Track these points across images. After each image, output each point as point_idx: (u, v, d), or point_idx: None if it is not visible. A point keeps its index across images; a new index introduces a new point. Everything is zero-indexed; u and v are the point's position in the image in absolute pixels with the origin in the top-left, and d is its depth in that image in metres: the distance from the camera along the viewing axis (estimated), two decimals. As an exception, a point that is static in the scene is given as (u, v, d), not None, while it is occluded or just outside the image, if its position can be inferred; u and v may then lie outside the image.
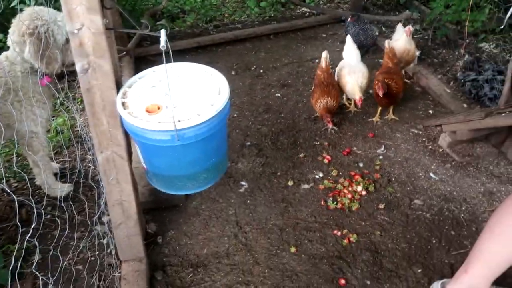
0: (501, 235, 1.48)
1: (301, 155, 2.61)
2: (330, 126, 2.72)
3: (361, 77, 2.75)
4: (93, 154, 1.86)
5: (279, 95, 3.21)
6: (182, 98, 1.59)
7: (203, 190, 2.27)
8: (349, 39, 2.97)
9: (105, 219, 2.10)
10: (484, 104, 2.82)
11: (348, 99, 2.91)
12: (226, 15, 4.51)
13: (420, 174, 2.44)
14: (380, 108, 2.84)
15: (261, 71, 3.53)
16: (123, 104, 1.57)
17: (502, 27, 3.42)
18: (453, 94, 2.99)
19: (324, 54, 2.82)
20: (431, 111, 2.91)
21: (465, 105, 2.87)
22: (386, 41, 2.88)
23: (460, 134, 2.49)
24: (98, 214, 1.98)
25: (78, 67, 1.48)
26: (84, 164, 2.56)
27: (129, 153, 1.74)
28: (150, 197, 2.28)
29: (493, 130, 2.44)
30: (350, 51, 2.92)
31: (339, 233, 2.12)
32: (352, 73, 2.76)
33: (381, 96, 2.60)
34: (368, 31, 3.35)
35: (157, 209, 2.31)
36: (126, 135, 1.66)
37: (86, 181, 2.25)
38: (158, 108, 1.54)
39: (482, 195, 2.27)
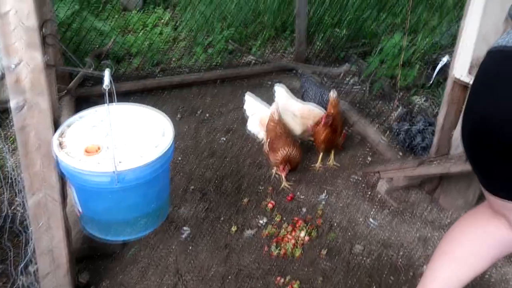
0: (452, 261, 1.56)
1: (245, 200, 2.60)
2: (283, 174, 2.63)
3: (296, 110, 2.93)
4: (23, 197, 1.74)
5: (224, 140, 3.23)
6: (124, 139, 1.55)
7: (142, 237, 2.18)
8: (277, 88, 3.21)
9: (31, 268, 1.93)
10: (417, 153, 3.00)
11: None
12: (173, 60, 4.55)
13: (360, 219, 2.51)
14: (321, 154, 2.93)
15: (207, 116, 3.55)
16: (60, 144, 1.51)
17: (431, 83, 3.74)
18: (389, 143, 3.16)
19: (274, 105, 2.82)
20: (369, 159, 3.05)
21: (400, 154, 3.04)
22: (332, 91, 3.03)
23: (396, 181, 2.62)
24: (24, 263, 1.82)
25: (12, 104, 1.41)
26: (12, 208, 2.38)
27: (63, 196, 1.65)
28: (84, 244, 2.15)
29: (426, 178, 2.59)
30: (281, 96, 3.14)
31: (282, 281, 2.10)
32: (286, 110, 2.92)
33: (326, 121, 2.69)
34: (324, 97, 3.44)
35: (91, 257, 2.17)
36: (61, 177, 1.58)
37: (13, 227, 2.08)
38: (98, 149, 1.49)
39: (417, 240, 2.37)
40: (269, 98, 3.83)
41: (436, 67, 3.46)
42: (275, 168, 2.80)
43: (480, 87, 1.33)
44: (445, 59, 3.22)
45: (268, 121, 2.82)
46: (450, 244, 1.59)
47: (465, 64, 2.13)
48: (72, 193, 1.60)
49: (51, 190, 1.56)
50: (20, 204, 2.33)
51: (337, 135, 2.82)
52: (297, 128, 2.96)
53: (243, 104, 3.12)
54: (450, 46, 4.10)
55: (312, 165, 2.94)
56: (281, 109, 3.08)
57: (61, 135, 1.56)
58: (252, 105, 3.08)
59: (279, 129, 2.74)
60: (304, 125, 2.96)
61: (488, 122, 1.26)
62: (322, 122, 2.74)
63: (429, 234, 2.41)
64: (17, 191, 1.88)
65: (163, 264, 2.17)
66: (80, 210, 1.63)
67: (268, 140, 2.77)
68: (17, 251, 2.05)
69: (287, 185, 2.74)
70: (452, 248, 1.58)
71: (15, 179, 1.90)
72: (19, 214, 2.28)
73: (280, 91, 3.26)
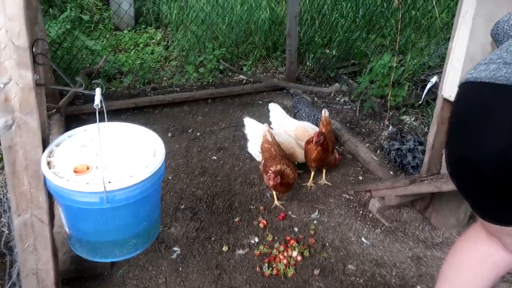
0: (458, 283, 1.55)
1: (237, 219, 2.57)
2: (272, 183, 2.50)
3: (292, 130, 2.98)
4: (8, 217, 1.70)
5: (215, 158, 3.21)
6: (114, 158, 1.53)
7: (131, 257, 2.13)
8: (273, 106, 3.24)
9: (16, 291, 1.87)
10: (408, 172, 3.01)
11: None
12: (164, 78, 4.56)
13: (353, 239, 2.49)
14: (313, 173, 2.93)
15: (198, 134, 3.54)
16: (48, 163, 1.48)
17: (420, 102, 3.78)
18: (380, 162, 3.17)
19: (265, 127, 2.79)
20: (361, 177, 3.05)
21: (391, 172, 3.04)
22: (323, 110, 3.04)
23: (388, 200, 2.61)
24: (8, 285, 1.76)
25: (0, 123, 1.39)
26: (-2, 229, 2.32)
27: (51, 216, 1.61)
28: (71, 265, 2.09)
29: (417, 197, 2.59)
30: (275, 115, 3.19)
31: (274, 302, 2.06)
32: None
33: (317, 139, 2.68)
34: (317, 118, 3.44)
35: (78, 279, 2.11)
36: (49, 197, 1.55)
37: (-2, 248, 2.03)
38: (87, 168, 1.46)
39: (410, 260, 2.35)
40: (260, 117, 3.85)
41: (425, 87, 3.50)
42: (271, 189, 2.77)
43: (455, 123, 1.34)
44: (434, 80, 3.26)
45: (262, 142, 2.81)
46: (450, 273, 1.59)
47: (453, 85, 2.16)
48: (60, 213, 1.56)
49: (39, 211, 1.52)
50: (5, 225, 2.28)
51: (328, 153, 2.82)
52: (299, 157, 2.96)
53: (243, 127, 3.11)
54: (438, 66, 4.17)
55: (304, 183, 2.93)
56: (276, 127, 3.08)
57: (50, 154, 1.53)
58: (255, 128, 3.04)
59: (273, 150, 2.71)
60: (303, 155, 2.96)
61: (467, 160, 1.28)
62: (314, 141, 2.74)
63: (421, 253, 2.39)
64: (2, 211, 1.83)
65: (152, 285, 2.12)
66: (68, 231, 1.59)
67: (263, 160, 2.75)
68: (1, 274, 1.99)
69: (278, 204, 2.71)
70: (452, 277, 1.58)
71: (0, 199, 1.85)
72: (5, 234, 2.23)
73: (275, 109, 3.27)
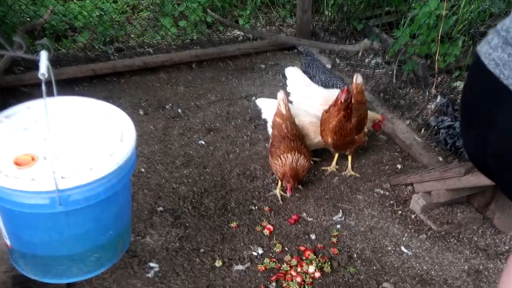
0: None
1: (233, 224, 2.59)
2: (289, 194, 2.70)
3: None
4: None
5: (203, 143, 3.22)
6: (68, 145, 1.54)
7: (94, 276, 2.16)
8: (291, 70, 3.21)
9: None
10: (463, 157, 3.02)
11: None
12: (132, 36, 4.54)
13: (389, 248, 2.51)
14: (337, 155, 2.94)
15: (180, 110, 3.54)
16: (-21, 153, 1.48)
17: (479, 63, 3.76)
18: (426, 144, 3.17)
19: (281, 95, 2.80)
20: (399, 166, 3.06)
21: (440, 158, 3.05)
22: (355, 75, 3.00)
23: (436, 195, 2.62)
24: None
25: None
26: None
27: (-14, 224, 1.63)
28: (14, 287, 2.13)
29: (475, 191, 2.59)
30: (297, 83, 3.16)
31: (285, 332, 2.09)
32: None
33: (346, 96, 2.61)
34: (337, 87, 3.41)
35: (24, 306, 2.15)
36: (-18, 197, 1.56)
37: None
38: (33, 159, 1.47)
39: (466, 274, 2.38)
40: (263, 86, 3.85)
41: (485, 41, 3.48)
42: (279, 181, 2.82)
43: (462, 103, 1.44)
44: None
45: (274, 114, 2.83)
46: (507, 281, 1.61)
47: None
48: (-3, 220, 1.58)
49: (-31, 216, 1.54)
50: None
51: (353, 127, 2.75)
52: (313, 136, 2.95)
53: (260, 111, 3.15)
54: (503, 14, 4.14)
55: (324, 168, 2.95)
56: (297, 100, 3.06)
57: (-19, 140, 1.54)
58: (269, 106, 3.04)
59: (285, 127, 2.74)
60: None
61: (467, 151, 1.43)
62: (342, 98, 2.63)
63: (481, 266, 2.41)
64: None
65: (123, 313, 2.16)
66: (8, 243, 1.60)
67: (271, 139, 2.81)
68: None
69: (280, 193, 2.77)
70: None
71: None
72: None
73: (295, 75, 3.21)
